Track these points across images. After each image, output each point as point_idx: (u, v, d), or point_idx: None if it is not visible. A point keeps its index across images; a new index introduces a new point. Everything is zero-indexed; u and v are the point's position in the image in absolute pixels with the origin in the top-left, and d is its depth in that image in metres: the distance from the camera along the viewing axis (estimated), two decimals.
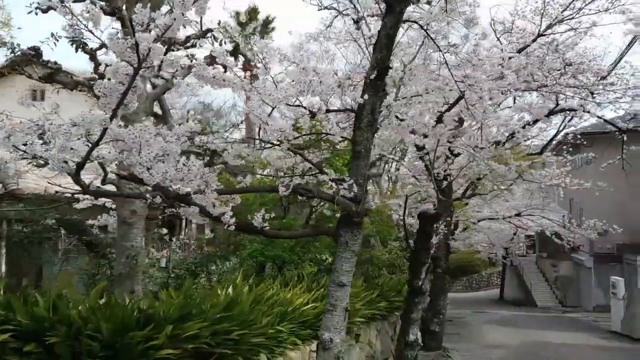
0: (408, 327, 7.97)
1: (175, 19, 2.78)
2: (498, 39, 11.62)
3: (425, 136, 11.06)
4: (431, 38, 3.79)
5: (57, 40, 4.47)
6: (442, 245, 10.63)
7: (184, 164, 3.14)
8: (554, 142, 25.61)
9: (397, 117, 10.55)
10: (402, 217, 12.50)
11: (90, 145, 3.08)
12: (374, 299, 9.56)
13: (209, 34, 4.88)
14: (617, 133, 12.14)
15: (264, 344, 5.25)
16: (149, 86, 5.45)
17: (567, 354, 11.01)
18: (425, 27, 3.75)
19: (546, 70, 10.66)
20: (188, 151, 4.25)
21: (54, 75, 4.88)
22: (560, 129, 16.55)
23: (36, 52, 4.70)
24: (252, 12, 23.31)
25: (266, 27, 23.16)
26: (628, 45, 10.40)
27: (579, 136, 19.23)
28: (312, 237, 8.37)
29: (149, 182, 2.93)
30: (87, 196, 4.93)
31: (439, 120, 11.02)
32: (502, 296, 29.06)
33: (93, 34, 4.60)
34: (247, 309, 5.32)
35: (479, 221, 19.22)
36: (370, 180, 19.92)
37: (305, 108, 3.57)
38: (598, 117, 11.33)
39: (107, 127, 3.02)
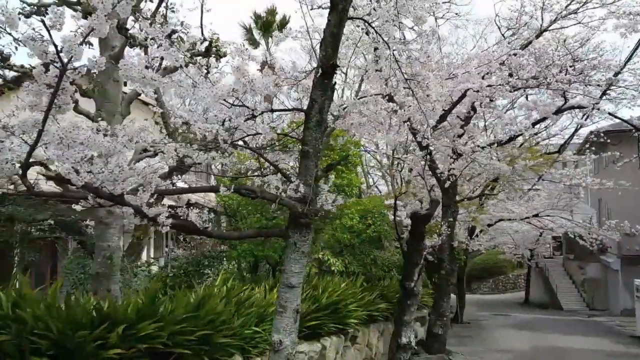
0: (400, 329, 7.86)
1: (97, 20, 2.81)
2: (502, 35, 11.38)
3: (425, 137, 10.94)
4: (379, 34, 3.71)
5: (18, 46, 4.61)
6: (446, 246, 10.44)
7: (118, 165, 3.16)
8: (579, 142, 24.86)
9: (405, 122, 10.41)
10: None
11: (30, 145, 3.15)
12: (373, 300, 9.45)
13: (174, 35, 4.94)
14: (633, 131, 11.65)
15: (235, 344, 5.24)
16: (127, 89, 5.54)
17: (576, 359, 10.63)
18: (370, 23, 3.66)
19: (551, 67, 10.39)
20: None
21: (22, 79, 5.03)
22: (579, 127, 16.07)
23: (2, 55, 4.85)
24: (269, 14, 23.44)
25: (283, 28, 23.24)
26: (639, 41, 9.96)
27: (602, 134, 18.63)
28: (265, 237, 8.30)
29: (76, 182, 2.96)
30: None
31: (442, 119, 10.89)
32: (527, 299, 28.33)
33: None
34: (221, 309, 5.35)
35: (496, 222, 18.85)
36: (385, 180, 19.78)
37: (247, 107, 3.54)
38: (610, 114, 10.94)
39: (41, 129, 3.07)
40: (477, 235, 18.79)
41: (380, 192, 19.66)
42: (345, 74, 4.45)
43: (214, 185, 3.46)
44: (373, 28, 3.72)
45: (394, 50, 3.69)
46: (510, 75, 10.24)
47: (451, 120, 11.19)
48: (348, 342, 8.62)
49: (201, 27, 6.93)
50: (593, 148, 22.32)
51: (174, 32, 4.91)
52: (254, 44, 23.36)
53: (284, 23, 22.96)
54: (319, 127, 3.82)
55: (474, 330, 16.71)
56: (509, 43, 10.53)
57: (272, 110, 3.77)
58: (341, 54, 4.53)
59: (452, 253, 10.44)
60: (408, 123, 10.08)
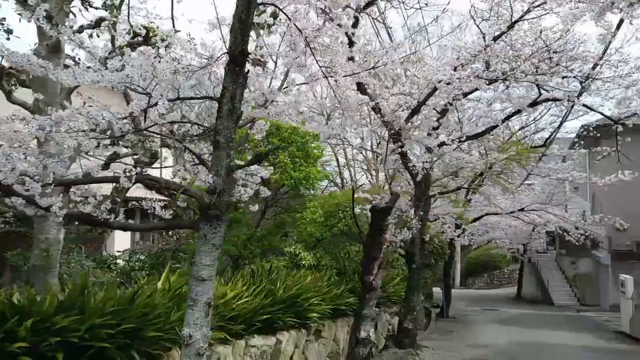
0: (359, 323, 7.78)
1: None
2: (477, 26, 11.21)
3: (401, 128, 10.82)
4: (289, 19, 3.59)
5: None
6: (417, 240, 10.34)
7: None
8: (567, 136, 24.48)
9: (381, 115, 10.34)
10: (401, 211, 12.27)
11: None
12: (340, 294, 9.35)
13: (103, 23, 4.83)
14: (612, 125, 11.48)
15: (170, 338, 5.16)
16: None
17: (551, 355, 10.51)
18: (282, 8, 3.54)
19: (528, 59, 10.25)
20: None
21: None
22: (563, 120, 15.89)
23: None
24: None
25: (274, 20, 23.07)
26: (615, 30, 9.76)
27: (591, 129, 18.40)
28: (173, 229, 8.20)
29: None
30: None
31: (414, 112, 10.76)
32: (519, 294, 28.20)
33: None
34: (158, 302, 5.27)
35: (482, 217, 18.72)
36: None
37: (147, 94, 3.43)
38: (585, 106, 10.77)
39: None
40: (464, 230, 18.67)
41: (353, 185, 19.51)
42: (275, 63, 4.32)
43: (116, 176, 3.36)
44: (285, 14, 3.61)
45: (307, 37, 3.57)
46: (487, 67, 10.12)
47: (427, 112, 11.09)
48: (311, 336, 8.55)
49: (172, 18, 6.84)
50: (582, 142, 22.15)
51: (102, 19, 4.81)
52: None
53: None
54: (231, 116, 3.72)
55: (459, 325, 16.64)
56: (483, 35, 10.38)
57: (179, 99, 3.67)
58: (269, 41, 4.41)
59: (423, 247, 10.33)
60: (379, 115, 10.03)
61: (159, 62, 3.43)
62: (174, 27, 6.63)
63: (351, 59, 6.14)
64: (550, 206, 18.70)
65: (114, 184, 5.23)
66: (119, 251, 9.17)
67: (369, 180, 18.75)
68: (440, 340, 12.90)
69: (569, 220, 17.78)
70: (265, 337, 7.00)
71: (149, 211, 5.35)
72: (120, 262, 9.06)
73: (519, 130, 17.61)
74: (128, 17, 4.30)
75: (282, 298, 7.27)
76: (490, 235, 26.94)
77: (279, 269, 9.53)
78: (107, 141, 3.67)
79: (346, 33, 4.18)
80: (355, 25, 8.45)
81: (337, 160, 17.31)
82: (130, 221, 8.53)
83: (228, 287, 6.83)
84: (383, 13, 10.20)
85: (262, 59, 4.94)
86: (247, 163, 4.34)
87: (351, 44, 5.83)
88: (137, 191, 6.62)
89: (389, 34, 12.09)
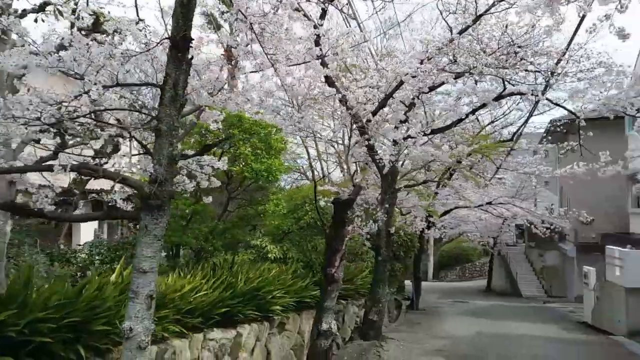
0: (321, 315, 7.76)
1: None
2: (444, 19, 11.24)
3: (369, 121, 10.82)
4: (231, 3, 3.50)
5: None
6: (383, 233, 10.37)
7: None
8: (537, 131, 24.80)
9: (347, 107, 10.31)
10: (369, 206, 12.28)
11: None
12: (306, 286, 9.33)
13: (48, 7, 4.64)
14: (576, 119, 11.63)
15: (120, 332, 5.04)
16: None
17: (512, 345, 10.70)
18: None
19: (494, 53, 10.33)
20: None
21: None
22: (529, 115, 16.11)
23: None
24: None
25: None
26: (577, 26, 9.89)
27: (557, 124, 18.70)
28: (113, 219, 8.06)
29: None
30: None
31: (381, 105, 10.75)
32: (489, 286, 28.69)
33: None
34: (109, 295, 5.15)
35: (451, 210, 18.94)
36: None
37: (79, 78, 3.30)
38: (548, 100, 10.92)
39: None
40: (434, 224, 18.86)
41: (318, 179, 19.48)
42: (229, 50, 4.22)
43: (49, 164, 3.23)
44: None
45: (252, 22, 3.49)
46: (455, 61, 10.17)
47: (395, 106, 11.10)
48: (274, 329, 8.51)
49: (136, 7, 6.65)
50: (550, 137, 22.53)
51: (46, 4, 4.63)
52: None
53: None
54: (174, 104, 3.62)
55: (427, 317, 16.81)
56: (450, 28, 10.41)
57: (118, 85, 3.55)
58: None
59: (389, 240, 10.36)
60: (345, 108, 10.00)
61: (97, 46, 3.30)
62: (137, 15, 6.47)
63: (321, 58, 6.08)
64: (517, 200, 19.01)
65: (74, 176, 5.06)
66: (79, 244, 8.95)
67: (343, 174, 18.74)
68: (408, 332, 13.02)
69: (535, 213, 18.11)
70: (224, 331, 6.93)
71: (109, 203, 5.21)
72: (83, 255, 8.85)
73: (488, 124, 17.84)
74: (136, 9, 4.08)
75: (242, 291, 7.20)
76: (461, 228, 27.33)
77: (243, 262, 9.47)
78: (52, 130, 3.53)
79: (315, 25, 4.11)
80: (322, 16, 8.40)
81: (308, 153, 17.25)
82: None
83: (186, 280, 6.73)
84: (349, 3, 10.15)
85: (232, 54, 4.85)
86: (195, 153, 4.25)
87: (318, 41, 5.75)
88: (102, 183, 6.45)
89: (359, 24, 12.06)
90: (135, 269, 3.69)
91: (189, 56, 3.64)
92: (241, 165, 7.12)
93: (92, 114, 3.49)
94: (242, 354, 7.23)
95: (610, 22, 4.56)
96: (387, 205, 10.08)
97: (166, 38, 3.46)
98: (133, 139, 4.04)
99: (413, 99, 10.58)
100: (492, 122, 17.94)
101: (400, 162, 16.37)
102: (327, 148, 17.43)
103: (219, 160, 4.87)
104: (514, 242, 30.80)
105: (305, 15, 6.82)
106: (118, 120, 4.29)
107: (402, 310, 18.27)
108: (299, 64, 4.38)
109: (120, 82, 3.51)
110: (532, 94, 10.26)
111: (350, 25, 11.51)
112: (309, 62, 4.50)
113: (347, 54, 11.44)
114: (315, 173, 17.39)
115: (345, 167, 18.59)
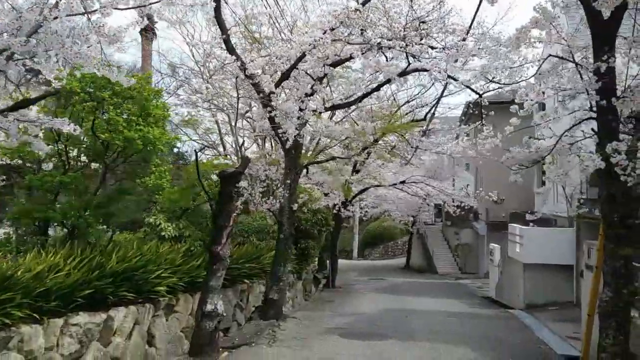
0: (206, 296, 7.32)
1: None
2: None
3: (272, 92, 10.34)
4: None
5: None
6: (286, 210, 10.02)
7: None
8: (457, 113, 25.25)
9: (247, 75, 9.76)
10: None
11: None
12: (199, 265, 8.80)
13: None
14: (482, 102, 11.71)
15: None
16: None
17: (414, 320, 10.80)
18: None
19: (400, 28, 10.15)
20: None
21: None
22: (440, 95, 16.26)
23: None
24: None
25: None
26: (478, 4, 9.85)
27: (471, 105, 19.04)
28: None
29: None
30: None
31: (285, 76, 10.30)
32: (408, 264, 29.47)
33: None
34: None
35: (366, 189, 19.00)
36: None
37: None
38: (450, 77, 10.92)
39: None
40: (350, 202, 18.85)
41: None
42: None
43: None
44: None
45: None
46: (362, 33, 9.87)
47: (301, 78, 10.70)
48: (160, 311, 7.95)
49: None
50: (464, 118, 23.10)
51: None
52: None
53: None
54: None
55: (341, 294, 16.85)
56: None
57: None
58: None
59: (292, 217, 10.03)
60: (245, 75, 9.46)
61: None
62: None
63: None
64: (433, 180, 19.38)
65: None
66: None
67: (259, 148, 18.20)
68: (316, 310, 12.91)
69: (446, 192, 18.53)
70: (92, 314, 6.29)
71: None
72: None
73: (404, 104, 17.90)
74: None
75: (113, 271, 6.57)
76: (383, 207, 27.74)
77: (130, 240, 8.78)
78: None
79: None
80: None
81: (219, 127, 16.54)
82: None
83: (44, 260, 6.01)
84: None
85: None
86: (8, 108, 3.59)
87: None
88: None
89: None
90: None
91: None
92: (111, 133, 6.42)
93: None
94: (115, 339, 6.65)
95: None
96: (289, 181, 9.72)
97: None
98: None
99: (321, 72, 10.22)
100: (408, 101, 18.00)
101: (317, 138, 16.15)
102: (243, 125, 16.79)
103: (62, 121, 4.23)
104: (432, 221, 31.75)
105: None
106: None
107: (318, 288, 18.25)
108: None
109: None
110: (436, 71, 10.22)
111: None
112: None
113: (252, 21, 10.86)
114: (229, 148, 16.77)
115: (259, 142, 18.08)
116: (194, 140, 17.40)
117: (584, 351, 6.38)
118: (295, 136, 9.79)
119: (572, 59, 5.21)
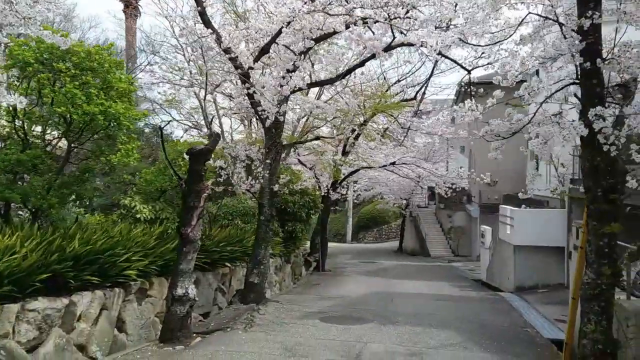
0: (176, 279, 7.01)
1: None
2: None
3: (250, 68, 9.91)
4: None
5: None
6: (267, 191, 9.68)
7: None
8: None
9: (223, 50, 9.34)
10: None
11: None
12: (174, 248, 8.47)
13: None
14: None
15: None
16: None
17: (398, 304, 10.53)
18: None
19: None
20: None
21: None
22: (430, 73, 15.89)
23: None
24: None
25: None
26: None
27: (463, 85, 18.64)
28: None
29: None
30: None
31: (264, 51, 9.86)
32: (401, 247, 29.27)
33: None
34: None
35: (356, 171, 18.63)
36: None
37: None
38: (440, 54, 10.51)
39: None
40: (340, 183, 18.51)
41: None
42: None
43: None
44: None
45: None
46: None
47: (282, 53, 10.28)
48: (131, 295, 7.64)
49: None
50: (456, 99, 22.66)
51: None
52: None
53: None
54: None
55: (329, 278, 16.60)
56: None
57: None
58: None
59: (272, 198, 9.69)
60: (222, 50, 9.04)
61: None
62: None
63: None
64: (422, 161, 19.01)
65: None
66: None
67: (245, 128, 17.80)
68: (301, 293, 12.65)
69: (437, 173, 18.20)
70: (51, 300, 5.97)
71: None
72: None
73: (394, 83, 17.47)
74: None
75: (76, 254, 6.24)
76: (376, 190, 27.44)
77: (101, 222, 8.44)
78: None
79: None
80: None
81: (202, 105, 16.09)
82: None
83: None
84: None
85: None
86: None
87: None
88: None
89: None
90: None
91: None
92: (69, 107, 6.02)
93: None
94: (79, 325, 6.34)
95: None
96: (269, 161, 9.35)
97: None
98: None
99: (303, 47, 9.79)
100: (399, 80, 17.56)
101: (304, 117, 15.73)
102: (229, 106, 16.34)
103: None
104: (425, 204, 31.48)
105: None
106: None
107: (307, 271, 18.01)
108: None
109: None
110: (421, 45, 9.80)
111: None
112: None
113: None
114: (217, 128, 16.34)
115: (246, 123, 17.66)
116: (177, 120, 16.95)
117: (568, 335, 6.11)
118: (275, 114, 9.40)
119: (554, 19, 4.82)
